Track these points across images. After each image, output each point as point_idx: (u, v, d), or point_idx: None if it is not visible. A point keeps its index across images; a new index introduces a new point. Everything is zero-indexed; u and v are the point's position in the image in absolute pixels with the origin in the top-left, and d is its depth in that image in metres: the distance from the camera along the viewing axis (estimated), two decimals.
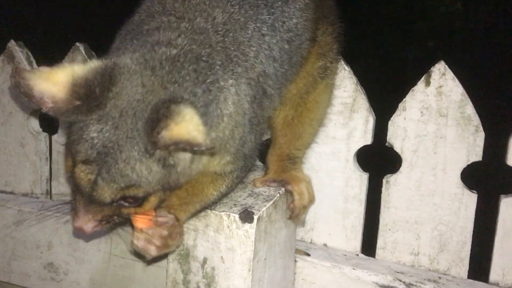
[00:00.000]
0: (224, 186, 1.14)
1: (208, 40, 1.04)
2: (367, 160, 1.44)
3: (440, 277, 1.33)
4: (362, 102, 1.40)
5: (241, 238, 1.15)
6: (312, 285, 1.38)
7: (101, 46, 1.79)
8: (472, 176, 1.31)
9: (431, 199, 1.35)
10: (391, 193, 1.39)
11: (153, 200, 1.02)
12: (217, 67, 1.02)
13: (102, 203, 0.99)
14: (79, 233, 1.07)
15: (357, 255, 1.44)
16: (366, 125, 1.40)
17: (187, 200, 1.11)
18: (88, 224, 1.02)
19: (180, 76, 0.98)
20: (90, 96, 0.94)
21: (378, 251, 1.43)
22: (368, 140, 1.41)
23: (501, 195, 1.29)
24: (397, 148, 1.37)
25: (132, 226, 1.10)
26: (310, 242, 1.49)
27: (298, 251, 1.40)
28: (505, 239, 1.29)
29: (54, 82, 0.93)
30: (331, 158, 1.44)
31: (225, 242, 1.17)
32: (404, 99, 1.35)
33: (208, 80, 1.00)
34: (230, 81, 1.03)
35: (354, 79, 1.40)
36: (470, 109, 1.29)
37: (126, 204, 1.01)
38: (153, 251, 1.08)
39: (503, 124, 1.29)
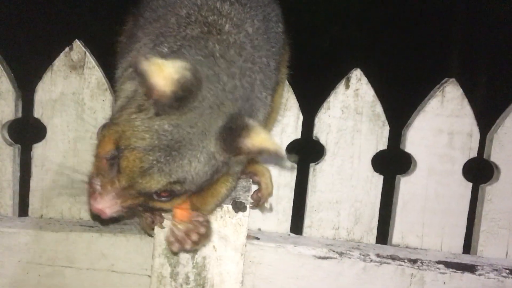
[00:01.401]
0: (233, 184, 1.22)
1: (250, 55, 1.14)
2: (297, 152, 1.66)
3: (358, 245, 1.64)
4: (293, 102, 1.62)
5: (235, 226, 1.25)
6: (259, 265, 1.54)
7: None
8: (379, 161, 1.65)
9: (349, 182, 1.64)
10: (317, 179, 1.64)
11: (182, 198, 1.07)
12: (257, 82, 1.14)
13: (143, 192, 1.00)
14: (97, 214, 1.05)
15: (289, 235, 1.65)
16: (297, 122, 1.62)
17: (207, 201, 1.17)
18: (112, 207, 1.02)
19: (239, 92, 1.08)
20: (185, 94, 0.96)
21: (305, 230, 1.66)
22: (298, 134, 1.63)
23: (400, 175, 1.66)
24: (322, 140, 1.63)
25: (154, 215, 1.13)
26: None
27: (247, 236, 1.54)
28: (403, 210, 1.66)
29: (164, 76, 0.94)
30: None
31: (218, 231, 1.25)
32: (328, 99, 1.61)
33: (252, 96, 1.11)
34: (264, 94, 1.15)
35: (286, 82, 1.60)
36: (379, 108, 1.62)
37: (162, 198, 1.04)
38: (188, 245, 1.12)
39: (402, 118, 1.65)
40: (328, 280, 1.56)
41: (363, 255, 1.57)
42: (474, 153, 1.65)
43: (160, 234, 1.25)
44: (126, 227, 1.58)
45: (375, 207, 1.66)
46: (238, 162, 1.09)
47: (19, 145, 1.63)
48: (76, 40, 1.57)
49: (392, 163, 1.69)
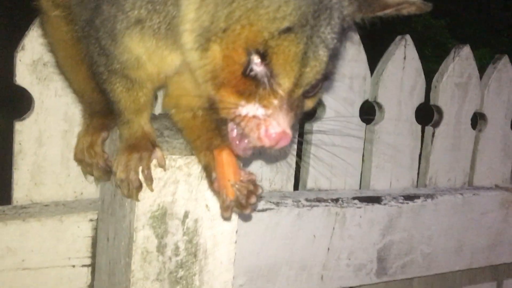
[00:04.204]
0: None
1: None
2: None
3: (284, 194, 1.62)
4: None
5: None
6: None
7: None
8: None
9: None
10: None
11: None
12: None
13: (308, 87, 0.81)
14: (273, 145, 0.80)
15: None
16: None
17: None
18: (290, 125, 0.80)
19: None
20: None
21: None
22: None
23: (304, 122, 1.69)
24: None
25: None
26: None
27: None
28: (317, 154, 1.70)
29: None
30: None
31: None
32: None
33: None
34: None
35: None
36: None
37: (311, 94, 0.84)
38: (249, 210, 0.96)
39: None
40: (267, 232, 1.51)
41: (296, 202, 1.56)
42: (367, 96, 1.79)
43: (145, 200, 1.00)
44: (34, 210, 1.23)
45: (292, 154, 1.66)
46: None
47: None
48: None
49: None
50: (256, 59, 0.79)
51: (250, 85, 0.80)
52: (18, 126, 1.25)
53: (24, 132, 1.25)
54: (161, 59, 0.92)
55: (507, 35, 8.50)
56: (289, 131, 0.81)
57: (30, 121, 1.25)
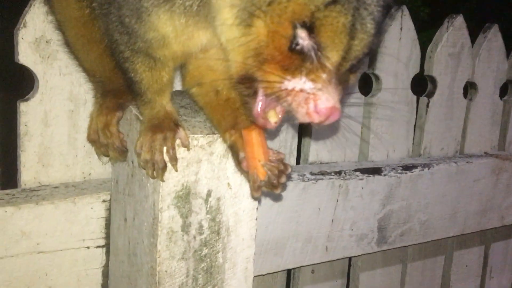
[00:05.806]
0: None
1: None
2: None
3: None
4: None
5: None
6: None
7: None
8: None
9: None
10: None
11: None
12: None
13: (356, 60, 0.79)
14: (324, 121, 0.78)
15: None
16: None
17: None
18: (339, 100, 0.78)
19: None
20: None
21: None
22: None
23: None
24: None
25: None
26: None
27: None
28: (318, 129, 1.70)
29: None
30: None
31: (233, 165, 1.06)
32: None
33: None
34: None
35: None
36: None
37: (354, 68, 0.83)
38: (280, 189, 0.95)
39: None
40: (274, 206, 1.52)
41: (301, 175, 1.57)
42: (365, 67, 1.79)
43: (169, 180, 0.99)
44: (45, 193, 1.20)
45: (295, 128, 1.66)
46: None
47: None
48: None
49: None
50: (302, 32, 0.76)
51: (296, 60, 0.77)
52: (23, 107, 1.20)
53: (30, 113, 1.21)
54: (189, 37, 0.90)
55: (475, 1, 8.57)
56: (339, 106, 0.79)
57: (35, 101, 1.21)
